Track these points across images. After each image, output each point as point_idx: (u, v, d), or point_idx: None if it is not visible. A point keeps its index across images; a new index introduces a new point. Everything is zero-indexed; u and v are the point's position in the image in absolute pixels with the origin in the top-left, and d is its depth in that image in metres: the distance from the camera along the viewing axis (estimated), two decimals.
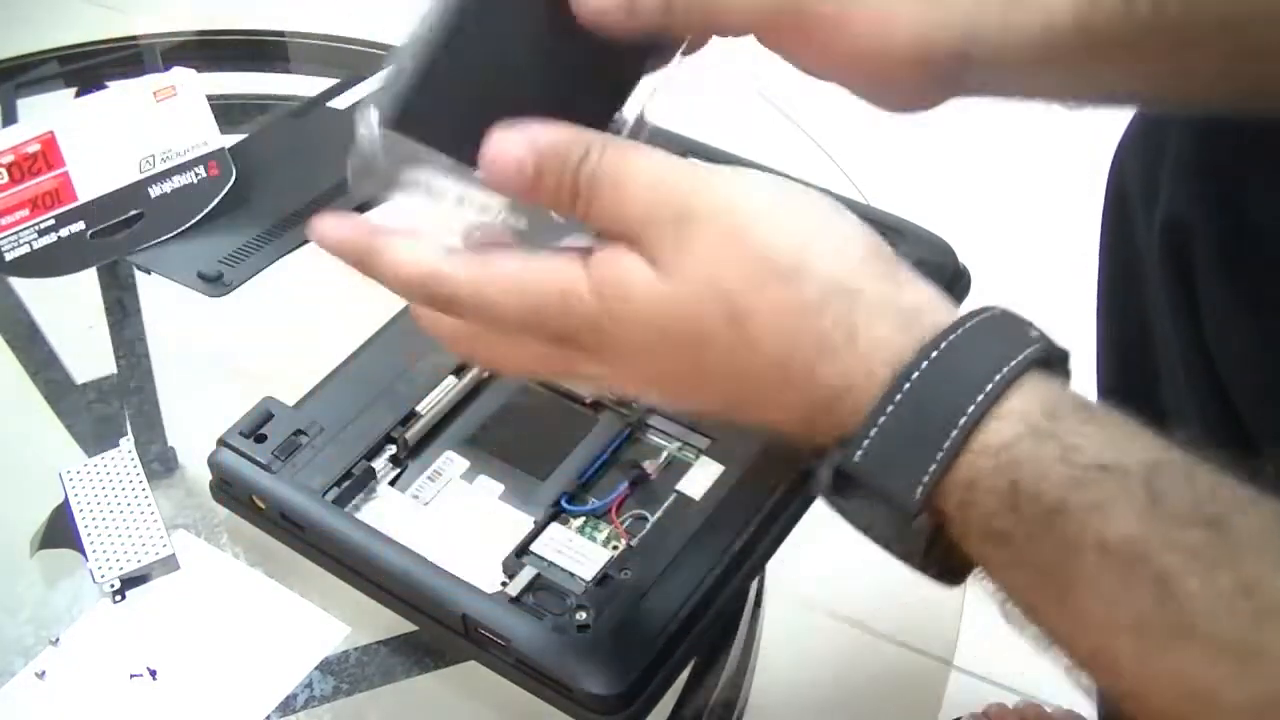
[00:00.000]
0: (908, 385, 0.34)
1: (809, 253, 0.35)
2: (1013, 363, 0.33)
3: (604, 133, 0.38)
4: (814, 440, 0.36)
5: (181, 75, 0.75)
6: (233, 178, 0.74)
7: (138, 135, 0.73)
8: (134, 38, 0.88)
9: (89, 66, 0.84)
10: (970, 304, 0.64)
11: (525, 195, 0.37)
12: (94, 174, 0.72)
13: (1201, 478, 0.31)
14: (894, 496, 0.34)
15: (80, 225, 0.71)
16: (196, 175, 0.74)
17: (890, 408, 0.34)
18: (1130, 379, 0.64)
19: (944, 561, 0.35)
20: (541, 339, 0.38)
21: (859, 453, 0.34)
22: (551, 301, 0.37)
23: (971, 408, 0.33)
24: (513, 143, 0.37)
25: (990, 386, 0.33)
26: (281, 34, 0.90)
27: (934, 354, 0.34)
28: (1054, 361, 0.35)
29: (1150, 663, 0.31)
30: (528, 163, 0.37)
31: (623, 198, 0.36)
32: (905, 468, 0.33)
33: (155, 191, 0.73)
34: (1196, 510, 0.31)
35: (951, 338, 0.34)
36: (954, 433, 0.33)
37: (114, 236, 0.72)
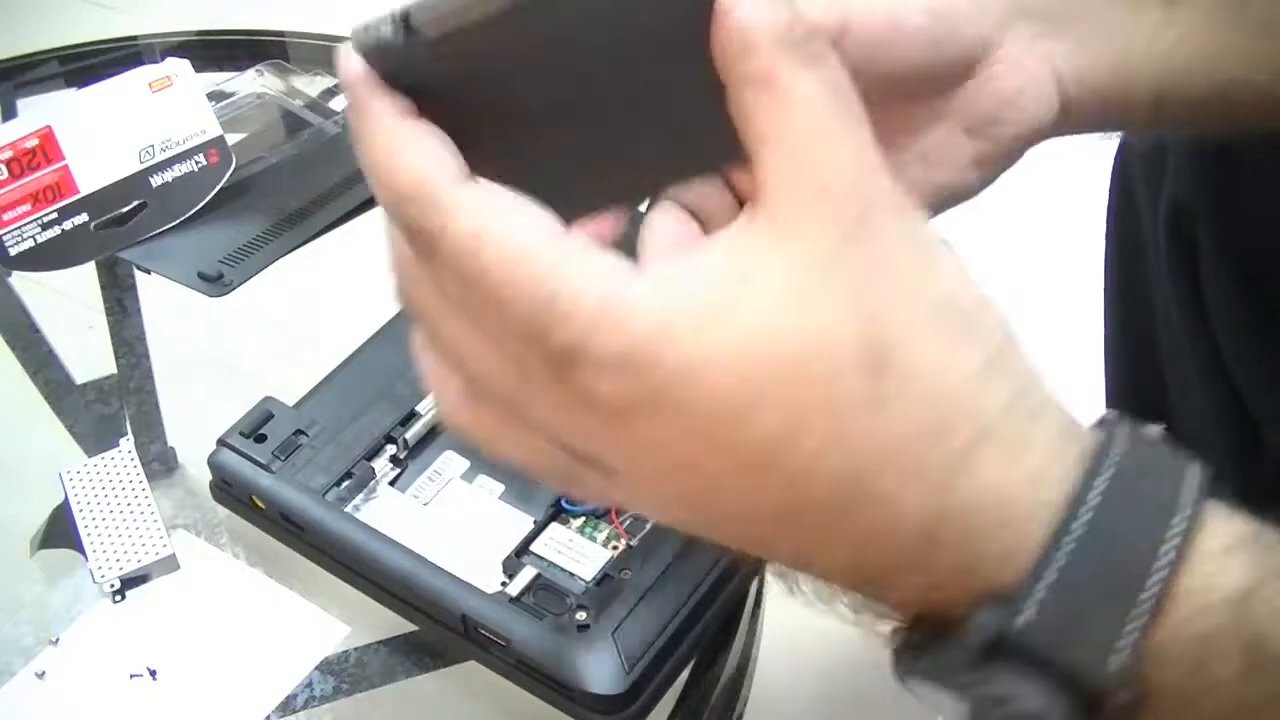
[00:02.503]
0: (1087, 515, 0.25)
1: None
2: (1194, 483, 0.26)
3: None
4: (904, 598, 0.27)
5: (176, 66, 0.75)
6: (232, 165, 0.74)
7: (136, 126, 0.73)
8: (133, 38, 0.88)
9: (88, 66, 0.84)
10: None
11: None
12: (94, 166, 0.72)
13: None
14: (1082, 663, 0.24)
15: (84, 217, 0.72)
16: (196, 164, 0.74)
17: (1065, 549, 0.25)
18: (1137, 363, 0.65)
19: None
20: (533, 359, 0.26)
21: (1024, 614, 0.25)
22: (565, 307, 0.25)
23: (1174, 526, 0.25)
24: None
25: (1189, 509, 0.25)
26: (281, 34, 0.89)
27: (1108, 475, 0.25)
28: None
29: None
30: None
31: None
32: (1098, 618, 0.24)
33: (157, 181, 0.73)
34: None
35: (1113, 458, 0.26)
36: (1162, 556, 0.25)
37: (118, 227, 0.72)
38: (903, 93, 0.37)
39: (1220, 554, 0.25)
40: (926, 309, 0.26)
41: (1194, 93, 0.40)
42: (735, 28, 0.26)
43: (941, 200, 0.39)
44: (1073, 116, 0.39)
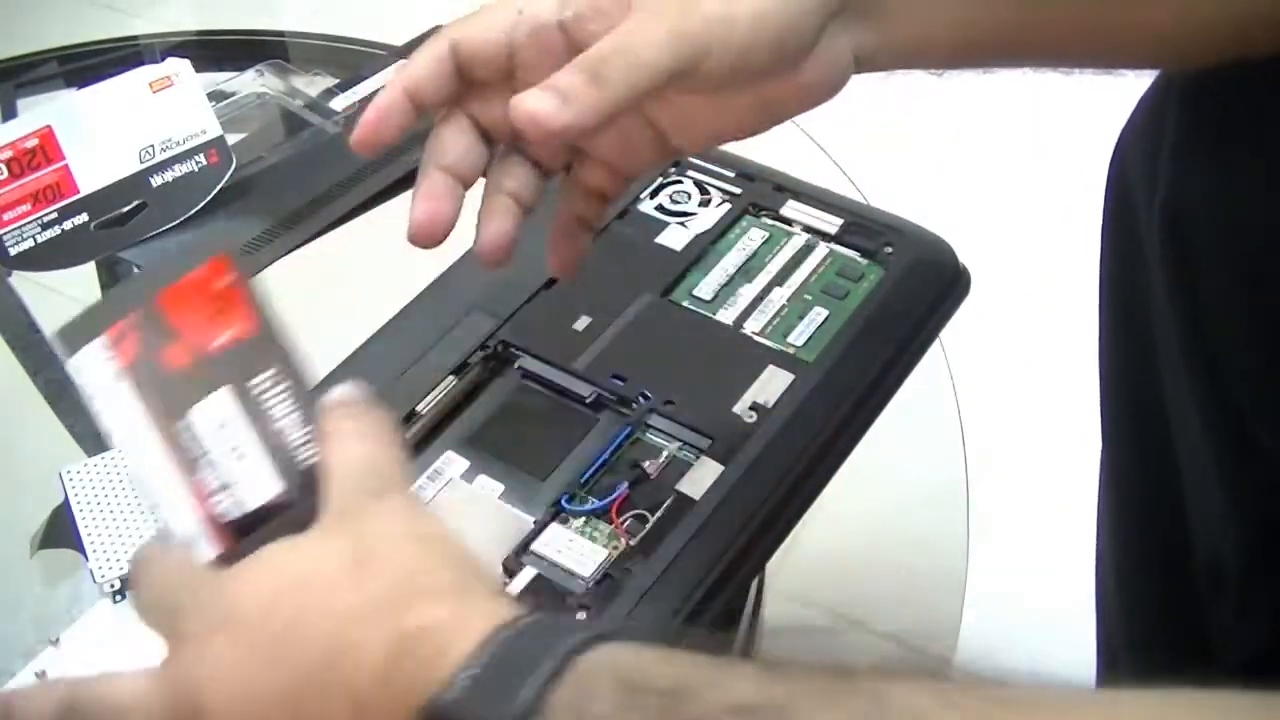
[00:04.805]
0: (511, 627, 0.34)
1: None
2: (602, 627, 0.34)
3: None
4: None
5: (177, 66, 0.75)
6: (232, 165, 0.74)
7: (136, 126, 0.74)
8: (134, 38, 0.88)
9: (88, 66, 0.84)
10: (968, 305, 0.64)
11: None
12: (94, 166, 0.72)
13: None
14: (493, 715, 0.32)
15: (84, 217, 0.72)
16: (197, 164, 0.74)
17: (489, 647, 0.33)
18: (1131, 366, 0.65)
19: None
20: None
21: (451, 692, 0.33)
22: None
23: (580, 634, 0.33)
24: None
25: (589, 631, 0.33)
26: (281, 34, 0.90)
27: (529, 618, 0.34)
28: None
29: None
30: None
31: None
32: (506, 687, 0.32)
33: (157, 181, 0.73)
34: (817, 673, 0.31)
35: (538, 615, 0.35)
36: (563, 646, 0.32)
37: (118, 227, 0.72)
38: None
39: (610, 652, 0.33)
40: (403, 533, 0.38)
41: (987, 48, 0.48)
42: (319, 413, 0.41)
43: (720, 138, 0.50)
44: (865, 69, 0.46)
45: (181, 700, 0.37)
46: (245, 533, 0.41)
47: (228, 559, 0.41)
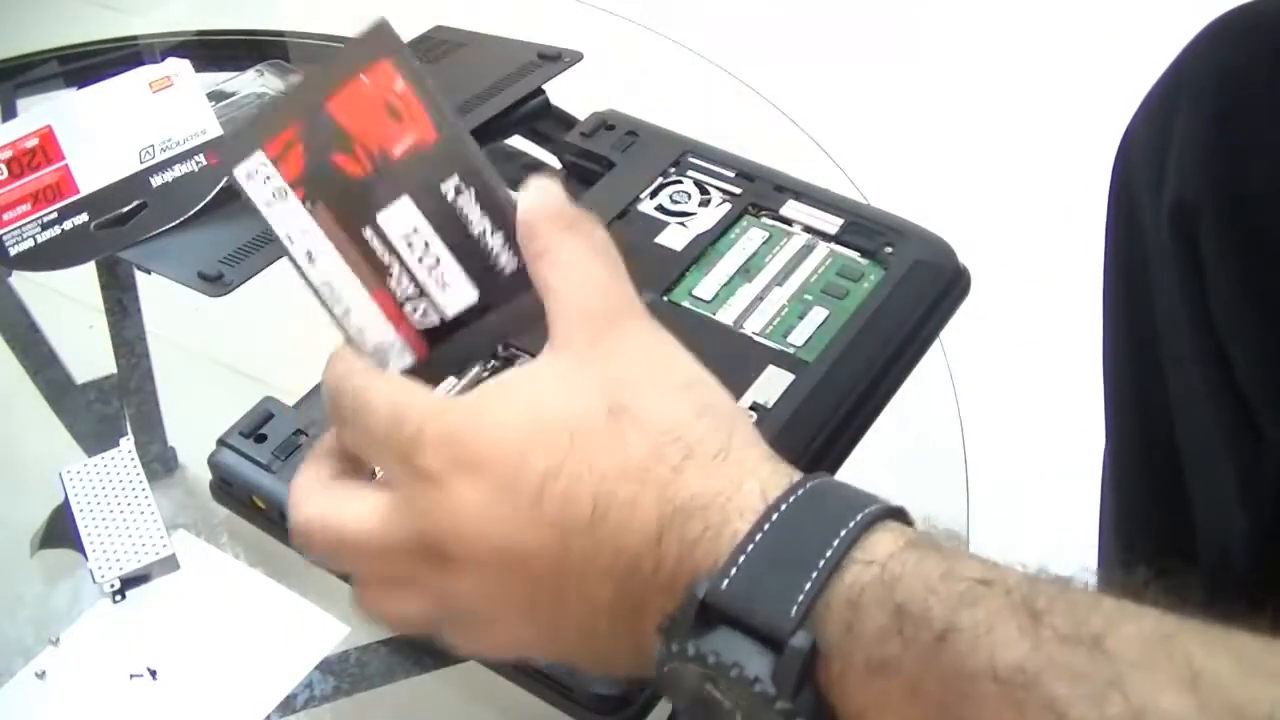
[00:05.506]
0: (782, 508, 0.33)
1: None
2: (873, 505, 0.33)
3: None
4: (643, 605, 0.34)
5: (177, 66, 0.75)
6: None
7: (136, 126, 0.74)
8: (133, 38, 0.88)
9: (88, 66, 0.84)
10: (968, 305, 0.64)
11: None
12: (94, 166, 0.72)
13: (1077, 594, 0.31)
14: (767, 618, 0.31)
15: (84, 217, 0.72)
16: (197, 164, 0.74)
17: (762, 532, 0.32)
18: (1137, 365, 0.65)
19: (815, 712, 0.32)
20: (393, 460, 0.37)
21: (726, 580, 0.32)
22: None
23: (850, 525, 0.32)
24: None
25: (861, 515, 0.33)
26: (281, 34, 0.90)
27: (800, 491, 0.33)
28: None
29: None
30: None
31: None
32: (780, 586, 0.32)
33: (157, 181, 0.73)
34: (1078, 629, 0.29)
35: (809, 482, 0.34)
36: (835, 543, 0.32)
37: (118, 227, 0.72)
38: None
39: (882, 554, 0.32)
40: (652, 377, 0.36)
41: None
42: (522, 222, 0.39)
43: None
44: None
45: (424, 538, 0.36)
46: (438, 341, 0.41)
47: (423, 368, 0.40)
